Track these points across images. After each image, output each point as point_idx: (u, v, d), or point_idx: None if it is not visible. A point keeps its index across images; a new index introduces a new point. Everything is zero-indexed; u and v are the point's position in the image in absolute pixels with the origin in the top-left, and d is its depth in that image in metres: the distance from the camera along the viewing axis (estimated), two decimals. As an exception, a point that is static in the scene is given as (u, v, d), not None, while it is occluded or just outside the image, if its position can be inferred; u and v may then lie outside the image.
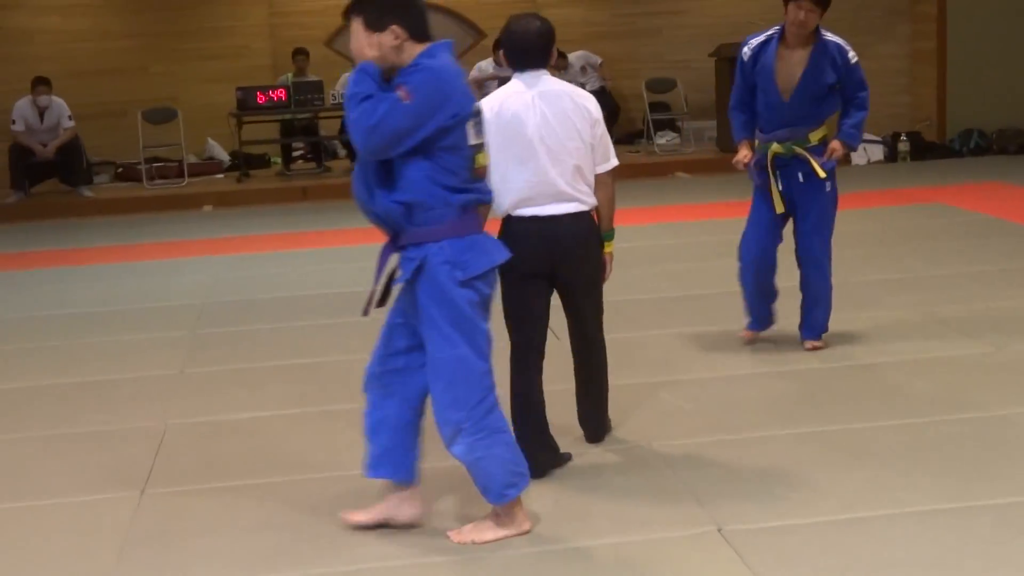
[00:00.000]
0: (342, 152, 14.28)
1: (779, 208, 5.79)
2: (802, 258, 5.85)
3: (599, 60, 14.20)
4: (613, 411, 4.77)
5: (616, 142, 5.34)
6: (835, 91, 5.69)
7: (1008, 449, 4.45)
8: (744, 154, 5.79)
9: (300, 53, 13.80)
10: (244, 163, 13.68)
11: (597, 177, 4.40)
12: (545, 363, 4.47)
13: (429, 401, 3.80)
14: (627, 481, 4.31)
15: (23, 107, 12.74)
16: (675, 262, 8.33)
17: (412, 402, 3.84)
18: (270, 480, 4.45)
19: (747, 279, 5.94)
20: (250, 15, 14.63)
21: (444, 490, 4.20)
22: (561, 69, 13.13)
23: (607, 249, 4.50)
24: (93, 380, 6.10)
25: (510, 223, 4.34)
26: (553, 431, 4.47)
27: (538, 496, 4.14)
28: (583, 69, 14.07)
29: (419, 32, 3.67)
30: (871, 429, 4.73)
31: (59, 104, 12.80)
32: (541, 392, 4.44)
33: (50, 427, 5.34)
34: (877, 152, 13.67)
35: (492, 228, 4.41)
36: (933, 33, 14.18)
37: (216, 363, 6.30)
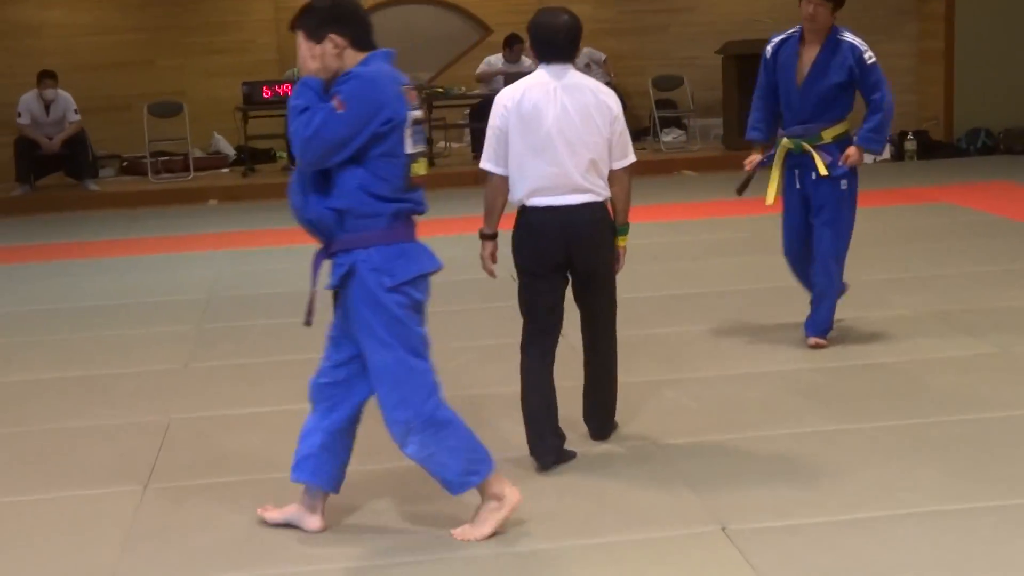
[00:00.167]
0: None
1: (769, 199, 5.86)
2: (811, 255, 5.86)
3: (603, 56, 14.16)
4: (618, 407, 4.76)
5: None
6: (846, 90, 5.67)
7: (1013, 450, 4.44)
8: (752, 158, 5.87)
9: (306, 48, 13.77)
10: (249, 157, 13.67)
11: (615, 172, 4.41)
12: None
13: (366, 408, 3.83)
14: (631, 479, 4.31)
15: (29, 100, 12.73)
16: (680, 260, 8.32)
17: (350, 410, 3.88)
18: (274, 475, 4.45)
19: (797, 276, 6.05)
20: (256, 10, 14.61)
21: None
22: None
23: (621, 243, 4.51)
24: (97, 374, 6.10)
25: (525, 212, 4.37)
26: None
27: (542, 493, 4.14)
28: (587, 66, 14.05)
29: (361, 41, 3.69)
30: (876, 429, 4.72)
31: (65, 98, 12.79)
32: (551, 373, 4.45)
33: (53, 421, 5.34)
34: (884, 151, 13.63)
35: (508, 218, 4.43)
36: (940, 32, 14.16)
37: (220, 358, 6.30)
